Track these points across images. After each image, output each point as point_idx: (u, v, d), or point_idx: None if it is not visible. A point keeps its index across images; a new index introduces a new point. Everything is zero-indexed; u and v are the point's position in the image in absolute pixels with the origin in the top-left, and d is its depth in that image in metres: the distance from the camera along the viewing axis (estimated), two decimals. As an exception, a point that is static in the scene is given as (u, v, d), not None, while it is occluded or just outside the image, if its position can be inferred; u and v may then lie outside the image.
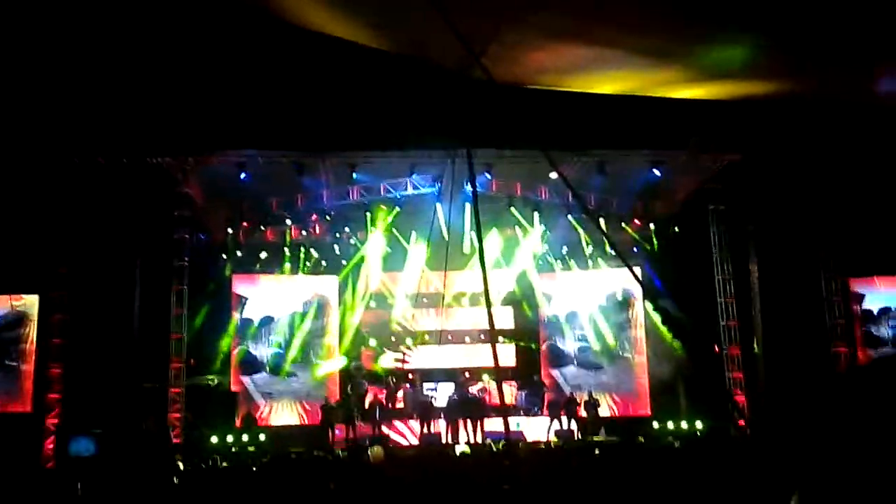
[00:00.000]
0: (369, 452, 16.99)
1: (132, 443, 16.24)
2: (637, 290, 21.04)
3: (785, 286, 19.52)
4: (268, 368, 20.90)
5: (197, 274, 19.43)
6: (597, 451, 12.31)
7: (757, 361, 20.19)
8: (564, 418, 19.25)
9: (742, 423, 17.57)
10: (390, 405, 20.04)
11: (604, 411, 20.24)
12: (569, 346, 21.93)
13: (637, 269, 20.17)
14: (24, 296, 19.21)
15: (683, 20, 2.90)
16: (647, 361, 21.05)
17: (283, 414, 20.74)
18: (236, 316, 20.82)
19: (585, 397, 19.86)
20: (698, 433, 18.03)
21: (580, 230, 21.34)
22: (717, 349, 19.05)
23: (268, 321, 21.16)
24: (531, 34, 2.91)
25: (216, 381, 19.89)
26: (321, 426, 19.38)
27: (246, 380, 20.63)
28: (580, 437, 18.84)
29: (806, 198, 18.76)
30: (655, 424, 19.55)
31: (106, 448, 15.85)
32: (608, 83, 3.81)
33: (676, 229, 21.18)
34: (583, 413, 19.34)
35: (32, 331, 19.06)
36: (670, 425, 19.03)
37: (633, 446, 14.54)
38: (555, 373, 21.78)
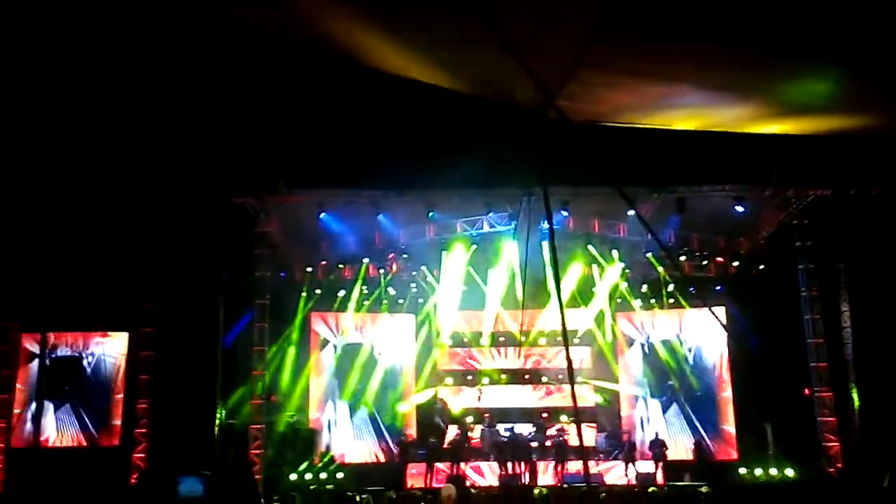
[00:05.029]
0: (441, 492, 16.96)
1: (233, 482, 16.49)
2: (721, 329, 20.37)
3: (878, 326, 18.64)
4: (346, 406, 21.06)
5: (277, 311, 19.72)
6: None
7: (850, 405, 19.27)
8: (648, 462, 18.78)
9: (836, 469, 16.77)
10: (467, 444, 19.86)
11: (686, 454, 19.75)
12: (650, 386, 21.41)
13: (721, 309, 19.58)
14: (113, 333, 19.89)
15: (764, 57, 2.82)
16: (734, 404, 20.36)
17: (362, 452, 20.81)
18: (315, 353, 21.10)
19: (652, 437, 19.51)
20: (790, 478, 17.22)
21: (660, 268, 20.91)
22: (807, 392, 18.26)
23: (346, 358, 21.37)
24: (608, 73, 2.87)
25: (295, 418, 20.09)
26: (399, 464, 19.38)
27: (325, 417, 20.82)
28: (663, 481, 18.30)
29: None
30: (742, 470, 18.79)
31: (213, 489, 16.15)
32: (688, 120, 3.74)
33: (762, 267, 20.49)
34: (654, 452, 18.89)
35: (122, 367, 19.70)
36: (758, 471, 18.24)
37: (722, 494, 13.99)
38: (635, 414, 21.28)
